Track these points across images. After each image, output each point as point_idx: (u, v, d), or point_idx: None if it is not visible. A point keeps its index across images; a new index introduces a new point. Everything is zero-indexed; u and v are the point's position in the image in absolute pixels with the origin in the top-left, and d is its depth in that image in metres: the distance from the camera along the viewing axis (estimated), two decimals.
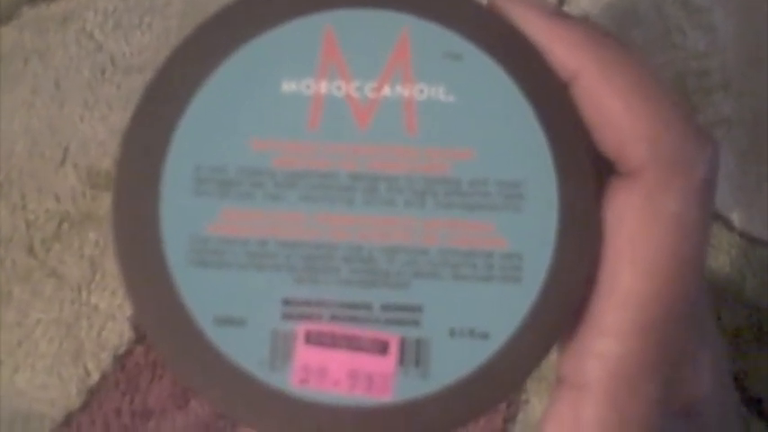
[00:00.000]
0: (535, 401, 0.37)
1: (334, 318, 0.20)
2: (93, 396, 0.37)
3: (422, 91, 0.21)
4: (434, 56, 0.21)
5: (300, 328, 0.20)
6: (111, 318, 0.38)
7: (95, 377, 0.37)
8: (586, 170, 0.20)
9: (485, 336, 0.20)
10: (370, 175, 0.20)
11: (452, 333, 0.20)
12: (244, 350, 0.20)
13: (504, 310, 0.20)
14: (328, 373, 0.20)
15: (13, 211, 0.39)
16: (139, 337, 0.38)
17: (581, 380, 0.20)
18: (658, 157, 0.20)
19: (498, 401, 0.20)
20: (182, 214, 0.20)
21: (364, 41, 0.21)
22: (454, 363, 0.20)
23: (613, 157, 0.20)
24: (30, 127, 0.40)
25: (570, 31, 0.20)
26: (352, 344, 0.20)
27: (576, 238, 0.20)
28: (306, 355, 0.20)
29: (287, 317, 0.20)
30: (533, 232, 0.20)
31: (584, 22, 0.21)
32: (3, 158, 0.40)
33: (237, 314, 0.20)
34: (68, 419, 0.37)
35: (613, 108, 0.20)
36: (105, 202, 0.39)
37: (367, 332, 0.20)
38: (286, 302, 0.20)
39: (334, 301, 0.20)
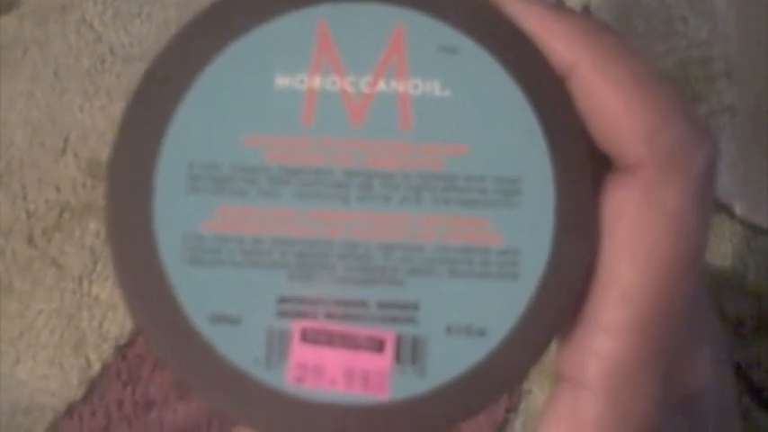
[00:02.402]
0: (537, 391, 0.37)
1: (329, 315, 0.20)
2: (94, 387, 0.37)
3: (417, 86, 0.20)
4: (430, 50, 0.20)
5: (296, 325, 0.19)
6: (112, 308, 0.38)
7: (97, 368, 0.37)
8: (584, 166, 0.20)
9: (482, 332, 0.20)
10: (364, 172, 0.20)
11: (449, 330, 0.20)
12: (239, 348, 0.19)
13: (501, 307, 0.20)
14: (324, 372, 0.19)
15: (14, 201, 0.39)
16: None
17: (580, 377, 0.20)
18: (656, 153, 0.19)
19: (496, 398, 0.20)
20: (176, 212, 0.20)
21: (359, 35, 0.20)
22: (451, 360, 0.19)
23: (611, 152, 0.20)
24: (30, 117, 0.40)
25: (567, 23, 0.20)
26: (348, 342, 0.19)
27: (574, 233, 0.20)
28: (301, 354, 0.19)
29: (282, 315, 0.19)
30: (530, 228, 0.20)
31: (581, 15, 0.20)
32: (3, 148, 0.40)
33: (232, 312, 0.19)
34: (70, 410, 0.37)
35: (610, 102, 0.19)
36: None
37: (363, 330, 0.19)
38: (281, 300, 0.20)
39: (329, 298, 0.20)
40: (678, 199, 0.19)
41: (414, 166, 0.20)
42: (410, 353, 0.19)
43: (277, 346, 0.19)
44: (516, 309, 0.20)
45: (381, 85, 0.20)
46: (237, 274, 0.20)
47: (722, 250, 0.40)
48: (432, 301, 0.20)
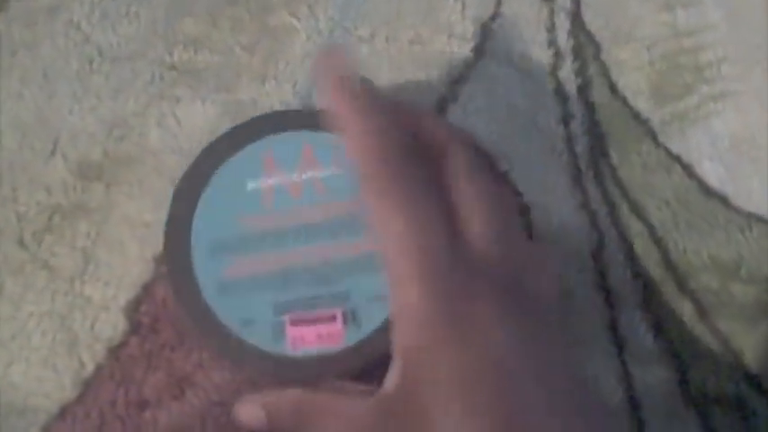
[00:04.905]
0: None
1: (304, 308, 0.34)
2: (88, 388, 0.37)
3: (323, 171, 0.36)
4: (325, 149, 0.36)
5: (286, 317, 0.34)
6: (104, 309, 0.38)
7: (90, 369, 0.37)
8: None
9: (385, 299, 0.34)
10: (306, 224, 0.35)
11: (368, 300, 0.34)
12: (257, 336, 0.34)
13: None
14: (305, 339, 0.34)
15: (4, 203, 0.39)
16: (133, 328, 0.37)
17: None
18: (368, 169, 0.32)
19: None
20: (207, 270, 0.35)
21: (285, 152, 0.36)
22: (373, 317, 0.34)
23: None
24: (19, 119, 0.40)
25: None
26: (316, 320, 0.34)
27: None
28: (293, 332, 0.34)
29: (277, 313, 0.34)
30: None
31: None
32: None
33: (249, 317, 0.34)
34: (63, 412, 0.36)
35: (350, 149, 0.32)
36: (96, 193, 0.39)
37: (322, 312, 0.34)
38: (276, 305, 0.34)
39: (301, 298, 0.34)
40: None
41: (329, 216, 0.35)
42: (350, 318, 0.34)
43: (278, 332, 0.34)
44: None
45: (305, 174, 0.36)
46: (249, 296, 0.34)
47: (717, 238, 0.39)
48: (355, 287, 0.34)
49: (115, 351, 0.37)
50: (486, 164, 0.35)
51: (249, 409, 0.33)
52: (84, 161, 0.40)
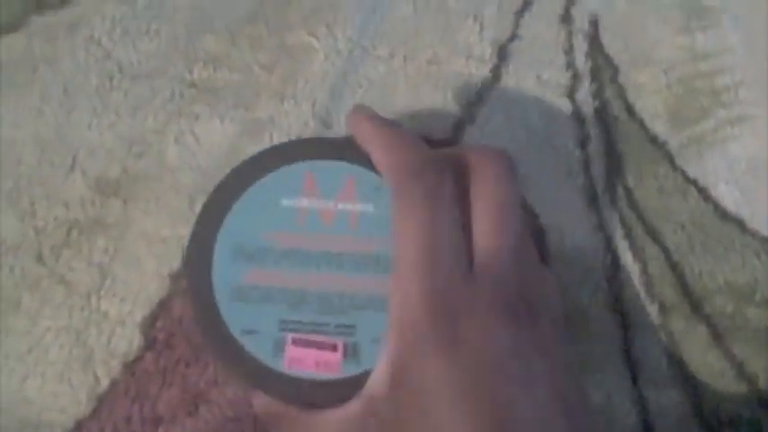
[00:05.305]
0: None
1: (309, 331, 0.34)
2: (102, 403, 0.37)
3: (359, 206, 0.36)
4: (368, 187, 0.36)
5: (289, 336, 0.34)
6: (120, 324, 0.38)
7: (105, 384, 0.37)
8: None
9: None
10: (330, 251, 0.35)
11: (373, 340, 0.34)
12: (258, 348, 0.34)
13: None
14: (305, 362, 0.34)
15: (23, 218, 0.39)
16: (149, 344, 0.37)
17: None
18: (396, 185, 0.34)
19: None
20: (223, 274, 0.35)
21: (329, 178, 0.36)
22: (374, 356, 0.33)
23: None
24: (38, 135, 0.40)
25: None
26: (318, 345, 0.34)
27: None
28: (292, 352, 0.34)
29: (282, 329, 0.34)
30: None
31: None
32: (12, 166, 0.40)
33: (254, 327, 0.34)
34: (78, 427, 0.36)
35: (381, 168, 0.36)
36: (114, 209, 0.39)
37: (326, 339, 0.34)
38: (281, 321, 0.34)
39: (307, 321, 0.34)
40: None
41: (357, 250, 0.35)
42: (351, 351, 0.34)
43: (279, 347, 0.34)
44: None
45: (340, 205, 0.36)
46: (258, 307, 0.35)
47: (733, 262, 0.39)
48: (363, 323, 0.34)
49: (130, 366, 0.37)
50: (515, 178, 0.35)
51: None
52: (103, 177, 0.40)
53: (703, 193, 0.40)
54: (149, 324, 0.38)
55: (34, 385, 0.37)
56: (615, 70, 0.43)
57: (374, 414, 0.32)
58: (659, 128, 0.42)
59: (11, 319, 0.38)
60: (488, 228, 0.33)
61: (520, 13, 0.44)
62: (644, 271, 0.39)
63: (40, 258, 0.39)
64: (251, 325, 0.34)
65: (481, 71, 0.42)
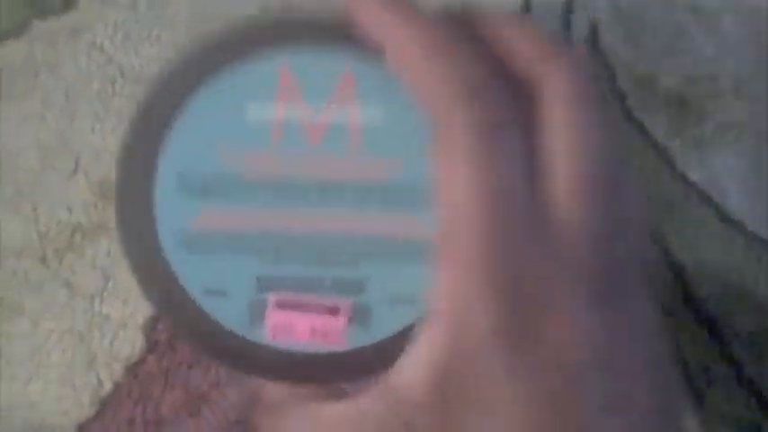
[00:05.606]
0: None
1: (298, 288, 0.25)
2: (105, 406, 0.37)
3: (361, 113, 0.25)
4: (373, 84, 0.25)
5: (271, 297, 0.25)
6: (123, 327, 0.38)
7: (108, 387, 0.37)
8: None
9: (412, 301, 0.25)
10: (321, 180, 0.25)
11: (390, 300, 0.25)
12: (226, 312, 0.25)
13: (426, 283, 0.24)
14: (295, 330, 0.25)
15: (26, 222, 0.39)
16: (152, 346, 0.38)
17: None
18: (438, 112, 0.23)
19: None
20: (171, 212, 0.25)
21: (315, 73, 0.25)
22: (390, 322, 0.25)
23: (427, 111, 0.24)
24: (41, 139, 0.40)
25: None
26: (311, 308, 0.25)
27: None
28: (276, 317, 0.25)
29: (260, 289, 0.25)
30: None
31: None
32: (15, 171, 0.40)
33: (220, 286, 0.25)
34: (81, 429, 0.37)
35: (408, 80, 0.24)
36: None
37: (322, 299, 0.25)
38: (259, 279, 0.25)
39: (295, 277, 0.25)
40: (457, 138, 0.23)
41: (360, 176, 0.25)
42: (359, 316, 0.25)
43: (257, 312, 0.25)
44: None
45: (334, 113, 0.25)
46: (222, 259, 0.25)
47: (733, 265, 0.39)
48: (376, 277, 0.25)
49: (133, 369, 0.38)
50: (599, 94, 0.25)
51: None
52: (106, 181, 0.40)
53: (704, 196, 0.41)
54: (151, 326, 0.38)
55: (37, 388, 0.37)
56: (613, 73, 0.43)
57: (405, 424, 0.23)
58: (659, 132, 0.42)
59: (14, 323, 0.38)
60: (569, 164, 0.23)
61: None
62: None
63: (43, 262, 0.39)
64: (216, 284, 0.25)
65: None
